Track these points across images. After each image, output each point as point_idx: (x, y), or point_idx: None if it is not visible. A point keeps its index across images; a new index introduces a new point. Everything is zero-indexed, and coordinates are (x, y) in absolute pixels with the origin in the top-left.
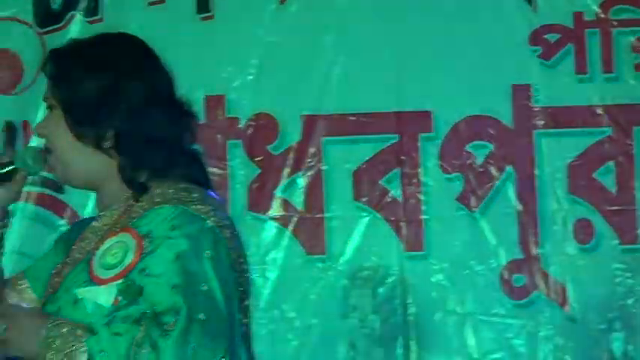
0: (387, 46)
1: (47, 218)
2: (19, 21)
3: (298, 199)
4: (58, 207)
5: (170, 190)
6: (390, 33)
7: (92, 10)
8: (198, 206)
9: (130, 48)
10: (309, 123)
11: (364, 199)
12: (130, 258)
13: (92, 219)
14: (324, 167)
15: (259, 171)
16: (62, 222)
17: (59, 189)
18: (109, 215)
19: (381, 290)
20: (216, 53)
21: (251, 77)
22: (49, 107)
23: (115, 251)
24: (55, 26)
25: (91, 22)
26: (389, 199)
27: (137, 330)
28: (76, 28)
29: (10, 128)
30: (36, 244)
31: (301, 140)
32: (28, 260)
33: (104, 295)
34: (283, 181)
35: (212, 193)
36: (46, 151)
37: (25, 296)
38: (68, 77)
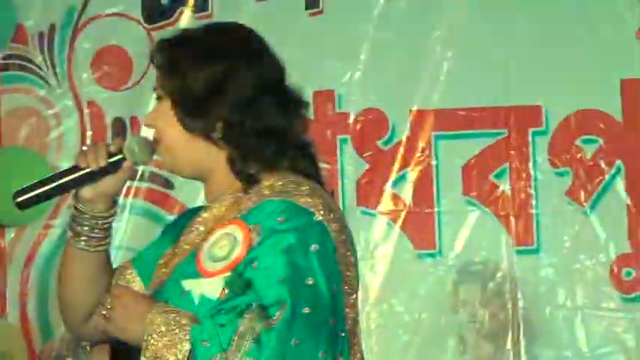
0: (497, 41)
1: (156, 214)
2: (128, 17)
3: (408, 194)
4: (167, 203)
5: (279, 183)
6: (499, 28)
7: (201, 6)
8: (307, 199)
9: (239, 37)
10: (419, 118)
11: (473, 194)
12: (238, 251)
13: (199, 209)
14: (433, 162)
15: (368, 166)
16: (171, 218)
17: (169, 184)
18: (217, 207)
19: (490, 285)
20: (325, 49)
21: (360, 72)
22: (158, 97)
23: (223, 243)
24: (164, 22)
25: (200, 18)
26: (498, 194)
27: (240, 321)
28: (185, 23)
29: (119, 124)
30: (145, 240)
31: (411, 135)
32: None
33: (211, 288)
34: (393, 176)
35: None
36: (154, 141)
37: (133, 285)
38: (177, 68)
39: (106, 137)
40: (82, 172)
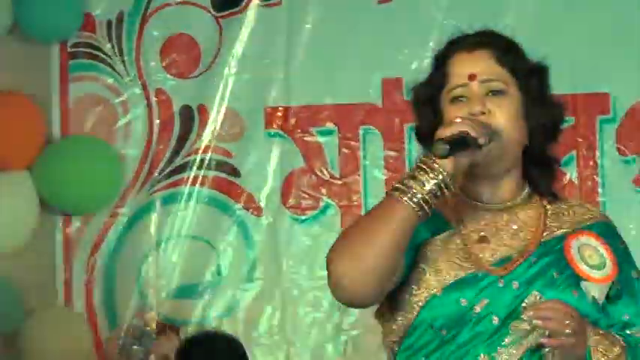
0: (564, 28)
1: (222, 202)
2: (196, 5)
3: None
4: (234, 191)
5: (587, 204)
6: (566, 15)
7: None
8: None
9: None
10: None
11: None
12: (611, 266)
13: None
14: None
15: None
16: (238, 206)
17: (235, 172)
18: (519, 211)
19: None
20: (393, 36)
21: (428, 60)
22: (497, 92)
23: (589, 253)
24: (232, 10)
25: (268, 6)
26: (565, 182)
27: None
28: (253, 12)
29: (187, 112)
30: (210, 228)
31: None
32: (202, 244)
33: (600, 293)
34: None
35: None
36: (495, 132)
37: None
38: (533, 69)
39: (173, 125)
40: (471, 139)
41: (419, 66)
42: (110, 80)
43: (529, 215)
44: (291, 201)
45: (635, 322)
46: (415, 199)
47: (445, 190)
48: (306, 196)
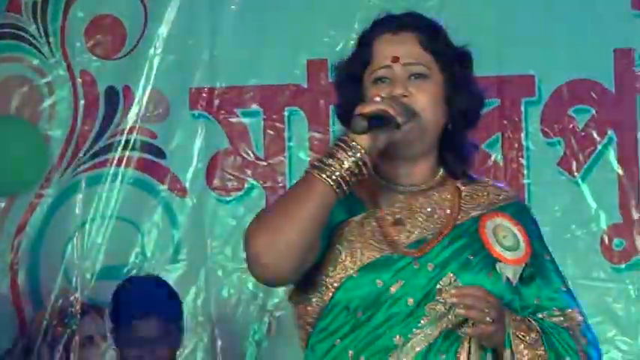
0: (489, 10)
1: (147, 183)
2: None
3: None
4: (159, 172)
5: (501, 185)
6: None
7: None
8: None
9: None
10: None
11: None
12: (524, 247)
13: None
14: None
15: None
16: (163, 187)
17: (160, 153)
18: (435, 192)
19: None
20: (319, 17)
21: (354, 41)
22: (419, 75)
23: (504, 234)
24: None
25: None
26: (490, 163)
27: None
28: None
29: (112, 93)
30: (135, 209)
31: None
32: (127, 225)
33: (513, 274)
34: None
35: None
36: (415, 113)
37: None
38: (457, 55)
39: (98, 106)
40: (391, 118)
41: (344, 47)
42: (35, 61)
43: (443, 197)
44: (216, 182)
45: (547, 305)
46: (334, 177)
47: (363, 168)
48: (231, 177)
